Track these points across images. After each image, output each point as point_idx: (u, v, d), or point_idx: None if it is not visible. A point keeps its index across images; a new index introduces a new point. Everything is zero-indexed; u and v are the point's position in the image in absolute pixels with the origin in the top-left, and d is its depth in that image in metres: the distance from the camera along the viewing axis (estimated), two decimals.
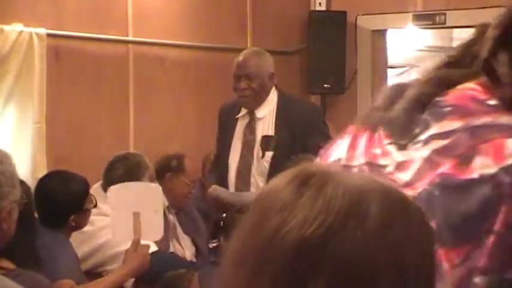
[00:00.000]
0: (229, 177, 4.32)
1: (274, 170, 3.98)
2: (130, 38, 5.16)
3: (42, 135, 4.49)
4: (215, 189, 4.27)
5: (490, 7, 5.42)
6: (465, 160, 1.14)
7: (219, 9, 5.72)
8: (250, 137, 4.31)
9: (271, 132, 4.28)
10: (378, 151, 1.23)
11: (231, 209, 4.05)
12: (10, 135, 4.41)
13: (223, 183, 4.31)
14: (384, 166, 1.20)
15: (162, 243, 4.03)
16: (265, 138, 4.27)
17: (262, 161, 4.25)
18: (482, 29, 1.28)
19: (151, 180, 4.00)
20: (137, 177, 3.93)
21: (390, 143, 1.22)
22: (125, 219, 3.48)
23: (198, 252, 4.44)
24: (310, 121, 4.29)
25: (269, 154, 4.23)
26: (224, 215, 4.04)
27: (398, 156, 1.20)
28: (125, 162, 3.97)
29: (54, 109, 4.60)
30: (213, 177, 4.48)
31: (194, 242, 4.46)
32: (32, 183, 3.53)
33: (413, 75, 8.45)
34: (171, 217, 4.39)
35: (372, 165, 1.22)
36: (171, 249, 4.25)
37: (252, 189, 4.24)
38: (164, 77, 5.38)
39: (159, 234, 3.68)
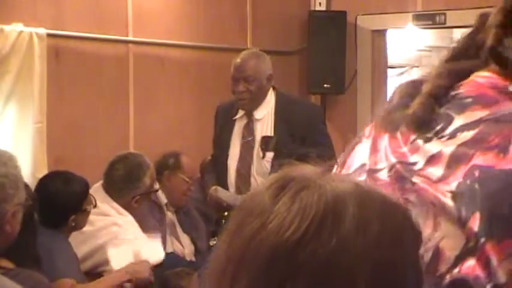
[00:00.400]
0: (228, 178, 4.31)
1: (275, 170, 3.97)
2: (130, 38, 5.16)
3: (43, 135, 4.48)
4: (216, 190, 4.27)
5: (490, 7, 5.43)
6: (501, 150, 1.12)
7: (219, 9, 5.72)
8: (249, 138, 4.30)
9: (270, 132, 4.28)
10: (404, 149, 1.20)
11: (231, 209, 4.05)
12: (10, 135, 4.40)
13: (223, 183, 4.31)
14: (414, 163, 1.18)
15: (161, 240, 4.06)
16: (265, 138, 4.26)
17: (263, 162, 4.24)
18: (482, 18, 1.28)
19: (152, 180, 4.01)
20: (138, 177, 3.93)
21: (416, 138, 1.20)
22: (125, 256, 3.65)
23: (197, 252, 4.44)
24: (309, 121, 4.29)
25: (270, 155, 4.23)
26: (226, 213, 4.05)
27: (428, 148, 1.17)
28: (125, 162, 3.97)
29: (55, 109, 4.60)
30: (212, 178, 4.47)
31: (193, 241, 4.47)
32: (32, 183, 3.53)
33: (413, 75, 8.46)
34: (170, 214, 4.39)
35: (403, 163, 1.19)
36: (170, 247, 4.25)
37: (252, 190, 4.23)
38: (164, 77, 5.38)
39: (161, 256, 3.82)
